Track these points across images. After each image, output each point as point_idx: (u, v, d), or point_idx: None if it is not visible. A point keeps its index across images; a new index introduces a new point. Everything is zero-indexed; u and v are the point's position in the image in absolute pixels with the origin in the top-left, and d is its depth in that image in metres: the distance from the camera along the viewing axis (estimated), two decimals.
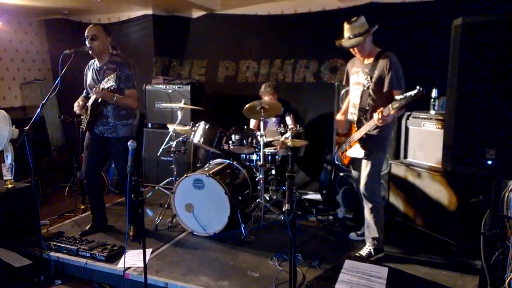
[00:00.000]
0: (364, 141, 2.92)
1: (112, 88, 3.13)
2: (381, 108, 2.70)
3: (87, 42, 3.26)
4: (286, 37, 5.05)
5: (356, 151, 2.98)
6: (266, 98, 4.33)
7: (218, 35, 5.44)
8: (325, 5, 4.75)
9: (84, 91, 3.57)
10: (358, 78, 3.02)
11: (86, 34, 3.26)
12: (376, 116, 2.72)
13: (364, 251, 3.12)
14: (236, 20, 5.27)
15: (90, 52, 3.28)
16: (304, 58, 4.95)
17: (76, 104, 3.44)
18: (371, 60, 2.93)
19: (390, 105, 2.64)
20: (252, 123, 4.61)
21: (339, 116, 3.34)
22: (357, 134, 2.96)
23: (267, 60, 5.18)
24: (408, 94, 2.49)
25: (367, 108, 2.94)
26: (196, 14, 5.50)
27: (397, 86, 2.79)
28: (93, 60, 3.48)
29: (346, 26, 2.86)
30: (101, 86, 3.11)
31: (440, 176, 3.22)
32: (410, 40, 4.26)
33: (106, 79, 3.08)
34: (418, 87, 2.44)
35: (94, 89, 3.16)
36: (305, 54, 4.94)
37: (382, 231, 3.09)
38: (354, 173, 3.35)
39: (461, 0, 3.99)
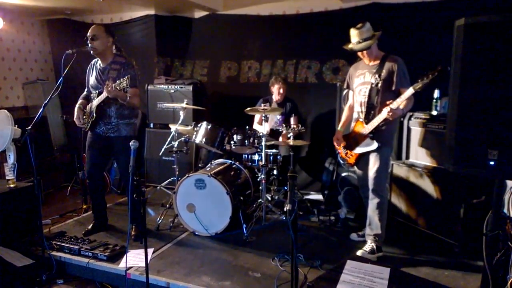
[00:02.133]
0: (373, 135, 3.04)
1: (124, 90, 3.12)
2: (390, 101, 2.89)
3: (88, 42, 3.27)
4: (288, 37, 5.05)
5: (366, 145, 3.07)
6: (276, 86, 4.46)
7: (220, 35, 5.45)
8: (327, 5, 4.75)
9: (85, 90, 3.58)
10: (365, 78, 3.12)
11: (87, 35, 3.28)
12: (385, 110, 2.89)
13: (367, 248, 3.12)
14: (238, 20, 5.27)
15: (91, 52, 3.29)
16: (306, 59, 4.95)
17: (77, 112, 3.44)
18: (377, 62, 3.07)
19: (403, 95, 2.84)
20: (257, 119, 4.63)
21: (339, 128, 3.40)
22: (367, 128, 3.05)
23: (269, 61, 5.18)
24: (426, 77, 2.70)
25: (375, 104, 3.04)
26: (198, 14, 5.51)
27: (405, 85, 2.92)
28: (95, 60, 3.49)
29: (353, 32, 2.98)
30: (114, 87, 3.10)
31: (442, 176, 3.21)
32: (412, 40, 4.26)
33: (118, 81, 3.08)
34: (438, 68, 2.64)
35: (105, 87, 3.14)
36: (307, 55, 4.94)
37: (384, 229, 3.13)
38: (358, 172, 3.36)
39: (463, 0, 3.98)
